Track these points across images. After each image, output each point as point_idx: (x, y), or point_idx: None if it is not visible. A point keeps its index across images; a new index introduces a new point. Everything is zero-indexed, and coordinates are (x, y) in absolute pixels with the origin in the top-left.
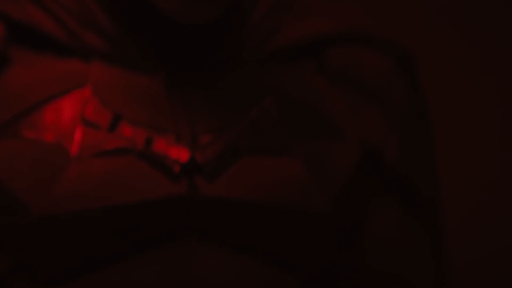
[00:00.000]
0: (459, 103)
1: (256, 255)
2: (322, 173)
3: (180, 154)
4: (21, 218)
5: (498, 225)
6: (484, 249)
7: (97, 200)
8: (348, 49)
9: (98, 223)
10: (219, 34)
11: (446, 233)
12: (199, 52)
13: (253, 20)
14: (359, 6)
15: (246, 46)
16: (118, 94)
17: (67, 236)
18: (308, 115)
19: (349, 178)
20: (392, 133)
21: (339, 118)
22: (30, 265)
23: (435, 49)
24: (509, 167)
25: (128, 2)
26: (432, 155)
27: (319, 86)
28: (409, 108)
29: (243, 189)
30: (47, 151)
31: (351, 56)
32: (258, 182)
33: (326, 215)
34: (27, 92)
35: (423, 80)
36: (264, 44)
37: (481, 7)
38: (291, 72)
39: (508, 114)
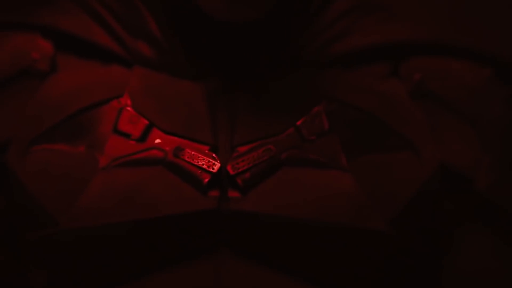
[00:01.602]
0: None
1: (292, 274)
2: (379, 189)
3: (210, 165)
4: (49, 232)
5: None
6: None
7: (119, 215)
8: (432, 59)
9: (123, 237)
10: (268, 35)
11: None
12: (248, 54)
13: (321, 21)
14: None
15: (306, 49)
16: (155, 102)
17: (94, 250)
18: (369, 124)
19: (416, 197)
20: (485, 157)
21: (413, 131)
22: (66, 279)
23: None
24: None
25: (176, 5)
26: None
27: (391, 94)
28: (508, 128)
29: (279, 204)
30: (78, 162)
31: (435, 67)
32: (299, 196)
33: (383, 236)
34: (65, 101)
35: None
36: (330, 47)
37: None
38: (357, 78)
39: None
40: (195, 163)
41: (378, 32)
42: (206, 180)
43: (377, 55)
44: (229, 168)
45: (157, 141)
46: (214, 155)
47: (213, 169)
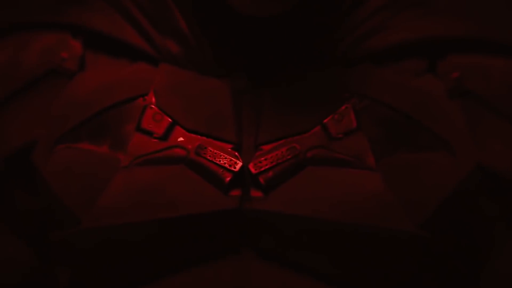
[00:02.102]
0: None
1: (316, 276)
2: (410, 190)
3: (232, 163)
4: (71, 232)
5: None
6: None
7: (139, 214)
8: (471, 56)
9: (143, 237)
10: (296, 31)
11: None
12: (275, 50)
13: (356, 17)
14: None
15: (338, 45)
16: (180, 100)
17: (114, 250)
18: (401, 122)
19: (451, 198)
20: None
21: (449, 130)
22: (88, 278)
23: None
24: None
25: (203, 1)
26: None
27: (426, 92)
28: None
29: (303, 204)
30: (101, 161)
31: (474, 64)
32: (323, 197)
33: (413, 238)
34: (91, 100)
35: None
36: (363, 43)
37: None
38: (390, 74)
39: None
40: (217, 162)
41: (414, 28)
42: (228, 179)
43: (412, 51)
44: (251, 166)
45: (180, 139)
46: (236, 153)
47: (234, 168)
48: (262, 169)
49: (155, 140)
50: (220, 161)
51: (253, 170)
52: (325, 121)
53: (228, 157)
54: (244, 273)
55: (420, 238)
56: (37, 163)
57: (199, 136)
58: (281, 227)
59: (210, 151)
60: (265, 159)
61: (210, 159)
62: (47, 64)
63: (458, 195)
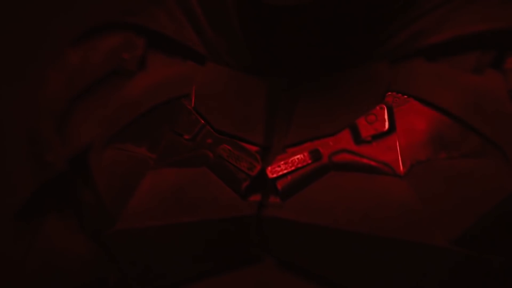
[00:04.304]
0: None
1: None
2: (445, 200)
3: (251, 167)
4: (107, 233)
5: None
6: None
7: (162, 217)
8: None
9: (165, 242)
10: (338, 24)
11: None
12: (315, 44)
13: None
14: None
15: (388, 40)
16: (216, 100)
17: (139, 253)
18: (444, 123)
19: (498, 209)
20: None
21: (504, 134)
22: (125, 278)
23: None
24: None
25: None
26: None
27: (482, 89)
28: None
29: (321, 212)
30: (137, 162)
31: None
32: (344, 205)
33: (441, 252)
34: (139, 100)
35: None
36: (420, 37)
37: None
38: (441, 70)
39: None
40: (237, 165)
41: (481, 18)
42: (245, 183)
43: (475, 44)
44: (268, 171)
45: (208, 140)
46: (258, 156)
47: (252, 171)
48: (280, 173)
49: (186, 141)
50: (240, 164)
51: (269, 175)
52: (355, 122)
53: (249, 159)
54: (263, 282)
55: (452, 255)
56: (91, 162)
57: (226, 138)
58: (297, 235)
59: (233, 153)
60: (285, 163)
61: (232, 162)
62: (109, 65)
63: (504, 208)
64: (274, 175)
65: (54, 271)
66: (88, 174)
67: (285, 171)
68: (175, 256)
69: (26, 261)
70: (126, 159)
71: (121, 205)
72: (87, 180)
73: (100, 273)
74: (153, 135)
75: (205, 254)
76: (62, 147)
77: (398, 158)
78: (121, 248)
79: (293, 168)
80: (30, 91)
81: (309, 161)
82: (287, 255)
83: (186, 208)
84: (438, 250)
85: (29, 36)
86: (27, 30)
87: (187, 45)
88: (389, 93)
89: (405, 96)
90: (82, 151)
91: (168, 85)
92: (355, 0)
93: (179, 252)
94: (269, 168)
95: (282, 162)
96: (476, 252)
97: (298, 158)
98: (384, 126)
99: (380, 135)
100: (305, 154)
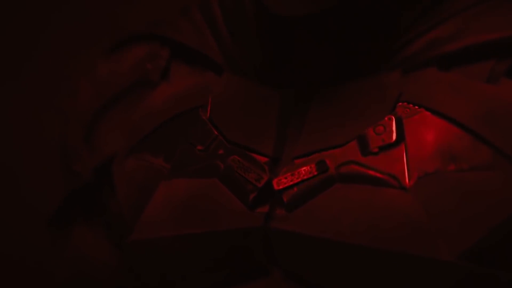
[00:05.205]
0: None
1: None
2: (452, 213)
3: (258, 178)
4: (124, 243)
5: None
6: None
7: (172, 228)
8: None
9: (174, 253)
10: (340, 33)
11: None
12: (319, 52)
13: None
14: None
15: (402, 49)
16: (230, 111)
17: (151, 264)
18: (454, 134)
19: (504, 225)
20: None
21: None
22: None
23: None
24: None
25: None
26: None
27: (496, 99)
28: None
29: (326, 224)
30: (155, 172)
31: None
32: (349, 218)
33: (448, 268)
34: (159, 111)
35: None
36: (436, 47)
37: None
38: (454, 79)
39: None
40: (246, 176)
41: (497, 26)
42: (252, 195)
43: (488, 52)
44: (274, 182)
45: (220, 151)
46: (266, 167)
47: (259, 183)
48: (286, 185)
49: (199, 152)
50: (248, 175)
51: (275, 186)
52: (363, 133)
53: (257, 171)
54: None
55: (458, 269)
56: (114, 174)
57: (237, 148)
58: (303, 248)
59: (243, 164)
60: (292, 175)
61: (241, 173)
62: (134, 76)
63: None
64: (281, 187)
65: (84, 280)
66: (112, 184)
67: (291, 183)
68: (187, 267)
69: (57, 269)
70: (144, 169)
71: (137, 215)
72: (112, 190)
73: (123, 282)
74: (170, 145)
75: (215, 266)
76: (89, 157)
77: (405, 170)
78: (137, 258)
79: (299, 179)
80: (24, 90)
81: (315, 173)
82: (294, 267)
83: (196, 220)
84: (444, 264)
85: (23, 36)
86: (21, 30)
87: (206, 55)
88: (400, 103)
89: (416, 107)
90: (107, 161)
91: (187, 95)
92: (368, 10)
93: (190, 263)
94: (276, 179)
95: (289, 174)
96: (483, 267)
97: (304, 170)
98: (392, 138)
99: (388, 147)
100: (312, 165)
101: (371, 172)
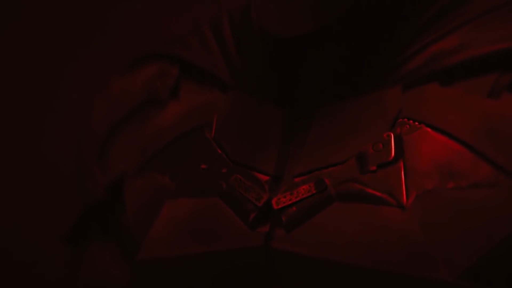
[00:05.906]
0: None
1: None
2: (450, 232)
3: (259, 197)
4: (131, 262)
5: None
6: None
7: (176, 248)
8: None
9: (182, 272)
10: (340, 51)
11: None
12: (322, 74)
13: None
14: None
15: (402, 65)
16: (234, 130)
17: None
18: (459, 153)
19: (504, 244)
20: None
21: None
22: None
23: None
24: None
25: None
26: None
27: (498, 115)
28: None
29: (324, 244)
30: (160, 191)
31: None
32: (347, 237)
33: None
34: (165, 129)
35: None
36: (437, 61)
37: None
38: (455, 94)
39: None
40: (247, 195)
41: (500, 37)
42: (252, 214)
43: (491, 65)
44: (273, 201)
45: (223, 170)
46: (266, 187)
47: (259, 202)
48: (285, 204)
49: (202, 171)
50: (249, 194)
51: (274, 206)
52: (362, 151)
53: (257, 190)
54: None
55: (451, 285)
56: (124, 193)
57: (239, 167)
58: (302, 267)
59: (244, 183)
60: (291, 194)
61: (242, 192)
62: (144, 94)
63: None
64: (280, 206)
65: None
66: (123, 202)
67: (290, 202)
68: (190, 286)
69: (73, 286)
70: (152, 188)
71: (143, 234)
72: (123, 208)
73: None
74: (176, 164)
75: (218, 285)
76: (102, 175)
77: (402, 188)
78: (144, 276)
79: (298, 198)
80: (24, 90)
81: (314, 192)
82: (295, 287)
83: (198, 239)
84: (443, 284)
85: (23, 36)
86: (21, 30)
87: (213, 73)
88: (400, 119)
89: (416, 123)
90: (118, 180)
91: (194, 113)
92: (368, 26)
93: (193, 284)
94: (275, 198)
95: (288, 193)
96: (483, 286)
97: (304, 188)
98: (390, 155)
99: (386, 164)
100: (311, 184)
101: (370, 190)
